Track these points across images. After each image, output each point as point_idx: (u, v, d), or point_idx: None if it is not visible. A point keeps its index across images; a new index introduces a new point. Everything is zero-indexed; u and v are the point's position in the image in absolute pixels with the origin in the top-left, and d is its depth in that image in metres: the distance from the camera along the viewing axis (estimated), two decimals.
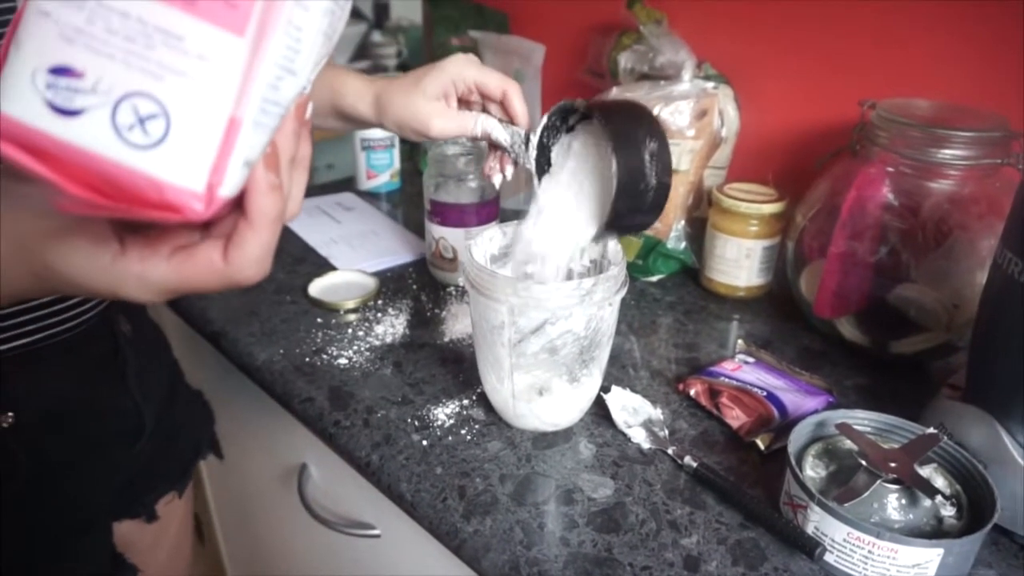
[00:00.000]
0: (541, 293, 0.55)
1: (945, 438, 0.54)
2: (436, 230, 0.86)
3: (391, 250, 0.96)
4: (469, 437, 0.63)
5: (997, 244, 0.54)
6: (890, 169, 0.70)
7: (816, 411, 0.65)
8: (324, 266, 0.92)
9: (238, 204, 0.31)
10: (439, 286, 0.89)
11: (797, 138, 0.95)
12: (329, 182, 1.20)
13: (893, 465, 0.52)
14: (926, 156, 0.67)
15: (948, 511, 0.51)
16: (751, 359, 0.74)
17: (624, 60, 0.94)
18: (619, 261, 0.59)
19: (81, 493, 0.64)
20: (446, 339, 0.78)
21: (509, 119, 0.63)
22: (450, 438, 0.63)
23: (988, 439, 0.54)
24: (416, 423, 0.65)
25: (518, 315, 0.56)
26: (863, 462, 0.52)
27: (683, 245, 0.90)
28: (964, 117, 0.70)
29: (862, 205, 0.71)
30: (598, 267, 0.63)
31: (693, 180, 0.89)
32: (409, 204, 1.14)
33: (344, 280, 0.88)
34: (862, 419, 0.58)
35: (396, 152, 1.16)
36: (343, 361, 0.73)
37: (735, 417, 0.65)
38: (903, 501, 0.51)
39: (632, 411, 0.66)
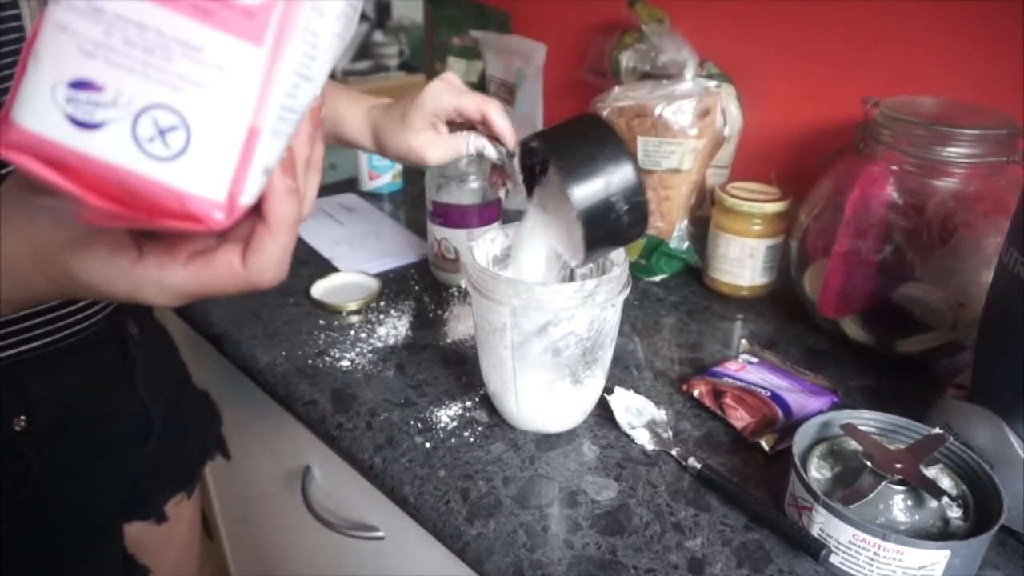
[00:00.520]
0: (543, 295, 0.54)
1: (951, 438, 0.54)
2: (438, 231, 0.85)
3: (393, 251, 0.96)
4: (472, 439, 0.63)
5: (1003, 242, 0.53)
6: (894, 167, 0.69)
7: (821, 411, 0.65)
8: (326, 267, 0.92)
9: (255, 208, 0.31)
10: (441, 287, 0.89)
11: (800, 137, 0.94)
12: (332, 183, 1.19)
13: (899, 466, 0.51)
14: (930, 154, 0.67)
15: (954, 512, 0.51)
16: (755, 359, 0.73)
17: (626, 59, 0.93)
18: (621, 262, 0.59)
19: (90, 496, 0.64)
20: (448, 340, 0.78)
21: (495, 137, 0.64)
22: (453, 440, 0.63)
23: (994, 439, 0.54)
24: (419, 425, 0.65)
25: (520, 317, 0.56)
26: (868, 463, 0.52)
27: (686, 245, 0.90)
28: (969, 115, 0.69)
29: (866, 203, 0.70)
30: (600, 268, 0.63)
31: (696, 179, 0.88)
32: (411, 205, 1.14)
33: (346, 281, 0.88)
34: (867, 419, 0.57)
35: None
36: (346, 363, 0.73)
37: (739, 418, 0.64)
38: (909, 502, 0.51)
39: (636, 412, 0.65)
